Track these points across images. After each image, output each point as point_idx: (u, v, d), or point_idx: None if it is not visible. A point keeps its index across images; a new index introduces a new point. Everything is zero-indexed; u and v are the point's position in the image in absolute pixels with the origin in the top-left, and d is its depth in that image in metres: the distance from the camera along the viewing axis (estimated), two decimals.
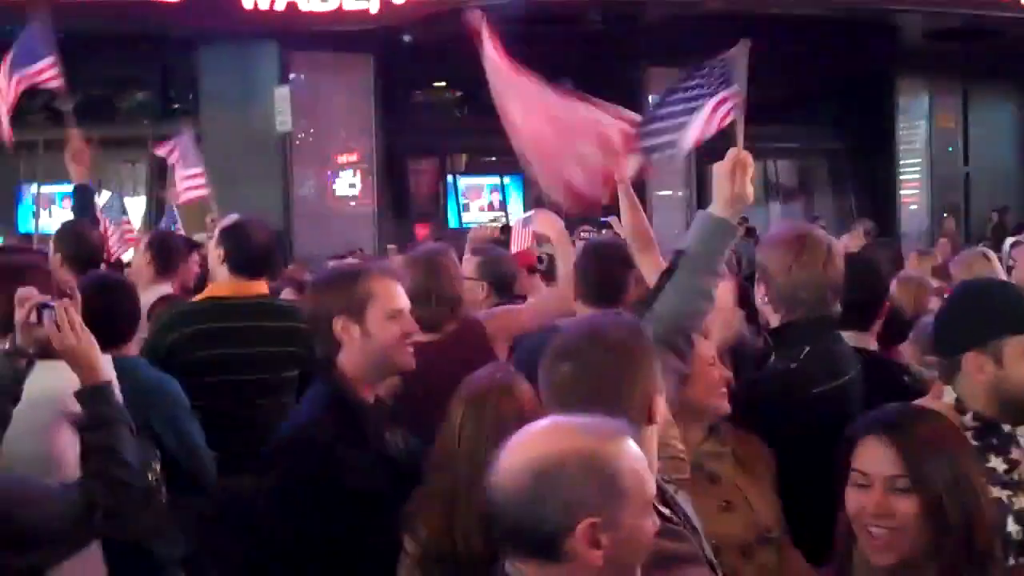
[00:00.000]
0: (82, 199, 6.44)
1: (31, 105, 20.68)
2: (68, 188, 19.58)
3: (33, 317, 3.19)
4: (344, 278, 3.61)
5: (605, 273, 4.55)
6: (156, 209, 18.80)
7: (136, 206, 19.92)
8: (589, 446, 2.11)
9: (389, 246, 16.01)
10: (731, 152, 3.36)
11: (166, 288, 5.76)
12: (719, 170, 3.34)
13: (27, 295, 3.20)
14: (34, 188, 20.72)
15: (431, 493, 3.21)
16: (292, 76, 17.91)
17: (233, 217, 5.21)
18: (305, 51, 18.19)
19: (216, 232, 5.13)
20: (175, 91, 20.22)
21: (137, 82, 20.37)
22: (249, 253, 5.05)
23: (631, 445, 2.16)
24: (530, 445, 2.14)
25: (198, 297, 5.15)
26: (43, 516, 2.95)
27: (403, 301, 3.58)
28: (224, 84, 17.95)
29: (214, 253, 5.06)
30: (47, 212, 20.32)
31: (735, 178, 3.32)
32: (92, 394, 3.19)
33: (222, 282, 5.03)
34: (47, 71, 6.96)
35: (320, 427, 3.40)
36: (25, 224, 20.11)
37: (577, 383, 2.57)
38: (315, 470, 3.31)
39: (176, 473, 4.21)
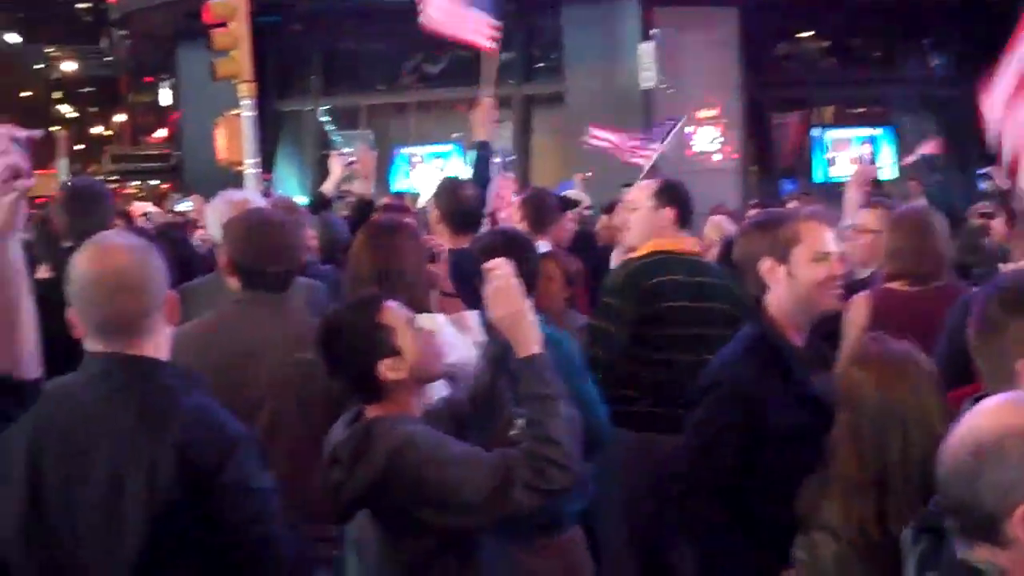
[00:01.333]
0: (481, 155, 6.71)
1: (402, 68, 21.73)
2: (436, 148, 20.56)
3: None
4: (772, 221, 3.72)
5: None
6: (522, 168, 19.32)
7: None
8: None
9: (751, 202, 15.82)
10: None
11: (543, 245, 5.88)
12: None
13: (495, 265, 3.29)
14: (406, 149, 21.79)
15: (846, 476, 3.13)
16: (654, 31, 17.90)
17: (661, 179, 5.59)
18: (667, 6, 18.16)
19: (651, 190, 5.36)
20: (539, 50, 20.64)
21: (504, 42, 20.91)
22: (690, 208, 5.37)
23: None
24: (981, 418, 2.02)
25: (643, 249, 5.30)
26: (455, 479, 3.04)
27: (831, 245, 3.63)
28: (587, 42, 18.18)
29: (660, 211, 5.28)
30: (417, 172, 21.32)
31: None
32: (524, 366, 3.17)
33: (666, 237, 5.27)
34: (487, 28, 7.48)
35: (744, 366, 3.53)
36: (396, 184, 21.11)
37: None
38: (737, 408, 3.41)
39: None
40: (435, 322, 3.80)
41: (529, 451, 3.04)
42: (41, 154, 34.88)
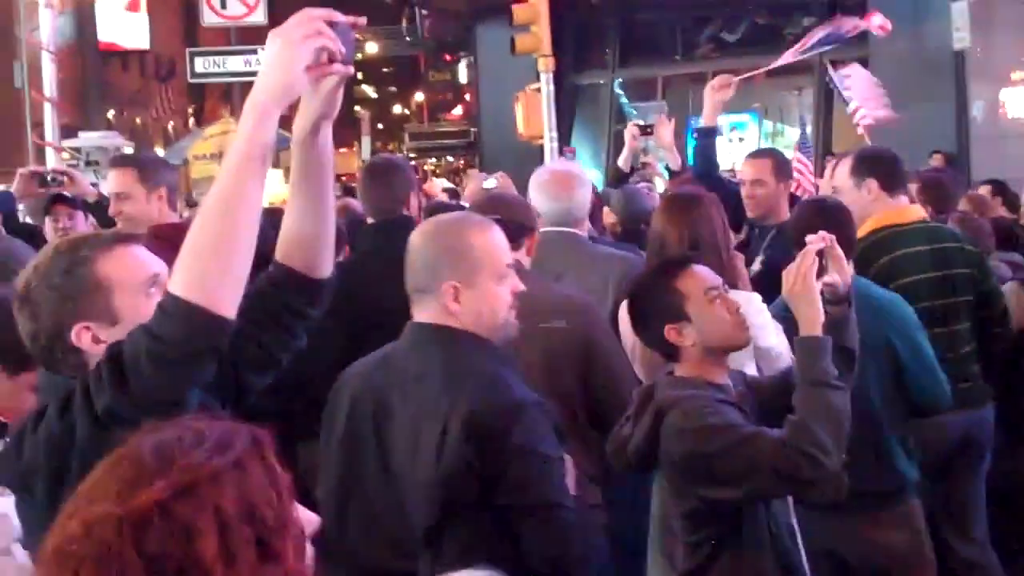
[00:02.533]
0: (705, 144, 6.59)
1: (698, 37, 21.60)
2: (733, 118, 20.29)
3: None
4: None
5: None
6: (823, 137, 18.92)
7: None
8: None
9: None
10: None
11: None
12: None
13: (813, 240, 3.31)
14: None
15: None
16: None
17: (856, 152, 5.34)
18: None
19: (848, 167, 5.15)
20: (842, 15, 20.12)
21: (804, 7, 20.51)
22: (895, 173, 5.11)
23: None
24: None
25: (864, 229, 5.04)
26: (707, 451, 3.10)
27: None
28: (894, 4, 17.58)
29: (862, 185, 5.05)
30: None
31: None
32: (800, 347, 3.21)
33: (882, 210, 5.04)
34: None
35: None
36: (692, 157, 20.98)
37: None
38: None
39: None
40: (747, 299, 3.79)
41: (786, 437, 3.05)
42: (345, 134, 36.44)
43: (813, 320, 3.18)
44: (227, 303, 2.19)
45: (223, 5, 14.51)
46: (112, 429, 2.11)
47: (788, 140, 20.23)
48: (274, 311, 2.56)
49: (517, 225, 3.96)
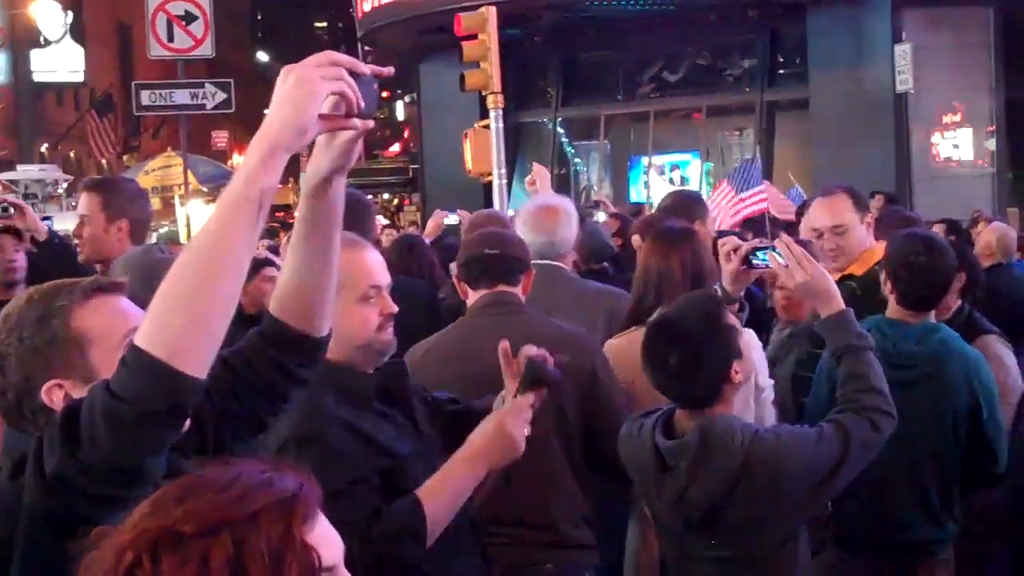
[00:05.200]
0: None
1: (640, 78, 21.87)
2: (674, 157, 20.36)
3: (742, 264, 3.45)
4: None
5: None
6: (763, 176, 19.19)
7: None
8: None
9: (1009, 209, 15.39)
10: None
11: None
12: None
13: (735, 244, 3.45)
14: (644, 159, 21.89)
15: None
16: (905, 34, 17.56)
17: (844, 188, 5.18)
18: (919, 7, 17.83)
19: (850, 204, 4.96)
20: (783, 56, 20.50)
21: (744, 49, 20.87)
22: None
23: None
24: None
25: (866, 264, 5.04)
26: (811, 460, 3.12)
27: None
28: (833, 46, 17.99)
29: (864, 221, 4.93)
30: (653, 181, 21.37)
31: None
32: (834, 322, 3.32)
33: (877, 247, 5.00)
34: None
35: None
36: (636, 194, 21.16)
37: None
38: None
39: None
40: (748, 334, 3.83)
41: (858, 405, 3.19)
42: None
43: (835, 296, 3.33)
44: (196, 361, 1.91)
45: (170, 38, 14.44)
46: (60, 497, 1.94)
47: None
48: (263, 369, 2.35)
49: (515, 261, 3.99)
